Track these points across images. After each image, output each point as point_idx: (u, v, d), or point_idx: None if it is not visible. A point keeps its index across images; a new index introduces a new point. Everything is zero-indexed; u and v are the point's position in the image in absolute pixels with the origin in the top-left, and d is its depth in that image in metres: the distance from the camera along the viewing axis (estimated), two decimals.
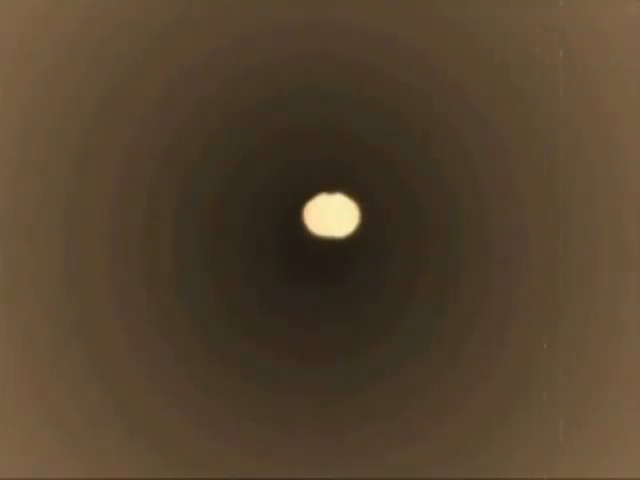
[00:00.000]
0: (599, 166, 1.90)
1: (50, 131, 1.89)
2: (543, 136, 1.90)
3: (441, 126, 1.90)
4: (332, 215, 1.88)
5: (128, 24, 1.90)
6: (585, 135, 1.90)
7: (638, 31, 1.91)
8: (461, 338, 1.88)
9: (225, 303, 1.88)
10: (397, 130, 1.90)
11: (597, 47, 1.91)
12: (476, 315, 1.88)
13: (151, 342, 1.87)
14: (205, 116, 1.90)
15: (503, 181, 1.90)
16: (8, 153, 1.88)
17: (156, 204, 1.89)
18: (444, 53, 1.90)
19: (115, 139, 1.89)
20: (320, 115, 1.90)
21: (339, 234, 1.88)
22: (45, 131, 1.89)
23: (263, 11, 1.90)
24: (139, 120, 1.89)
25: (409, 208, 1.89)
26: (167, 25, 1.90)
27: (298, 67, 1.90)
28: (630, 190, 1.90)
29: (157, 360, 1.87)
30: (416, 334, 1.88)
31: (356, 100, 1.90)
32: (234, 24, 1.90)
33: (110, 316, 1.87)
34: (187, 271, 1.88)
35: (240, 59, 1.90)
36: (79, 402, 1.86)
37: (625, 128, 1.91)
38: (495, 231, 1.89)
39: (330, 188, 1.89)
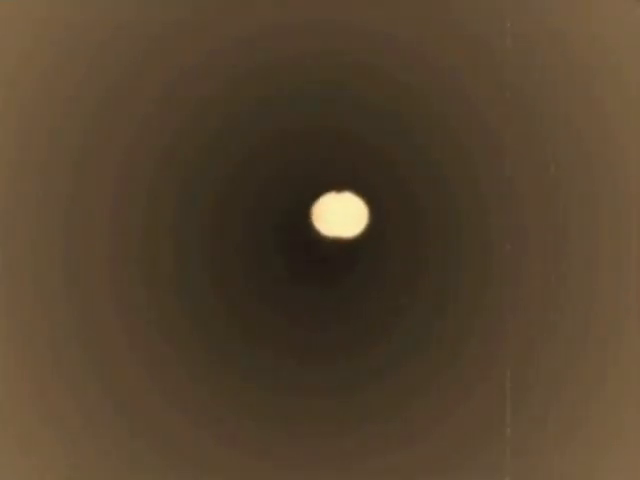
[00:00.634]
0: (599, 166, 1.90)
1: (50, 131, 1.89)
2: (543, 136, 1.90)
3: (441, 126, 1.90)
4: (339, 215, 1.88)
5: (128, 24, 1.90)
6: (585, 135, 1.90)
7: (638, 31, 1.91)
8: (461, 338, 1.88)
9: (225, 303, 1.88)
10: (397, 130, 1.90)
11: (597, 47, 1.91)
12: (476, 315, 1.88)
13: (151, 342, 1.87)
14: (205, 116, 1.90)
15: (503, 181, 1.90)
16: (8, 153, 1.88)
17: (156, 204, 1.89)
18: (444, 53, 1.90)
19: (115, 139, 1.89)
20: (320, 115, 1.90)
21: (346, 234, 1.88)
22: (45, 131, 1.89)
23: (263, 11, 1.90)
24: (139, 120, 1.89)
25: (409, 208, 1.89)
26: (167, 25, 1.90)
27: (298, 67, 1.90)
28: (630, 190, 1.90)
29: (157, 360, 1.87)
30: (416, 334, 1.88)
31: (356, 100, 1.90)
32: (234, 24, 1.90)
33: (110, 316, 1.87)
34: (187, 271, 1.88)
35: (240, 59, 1.90)
36: (79, 402, 1.86)
37: (625, 128, 1.91)
38: (495, 231, 1.89)
39: (330, 188, 1.89)
